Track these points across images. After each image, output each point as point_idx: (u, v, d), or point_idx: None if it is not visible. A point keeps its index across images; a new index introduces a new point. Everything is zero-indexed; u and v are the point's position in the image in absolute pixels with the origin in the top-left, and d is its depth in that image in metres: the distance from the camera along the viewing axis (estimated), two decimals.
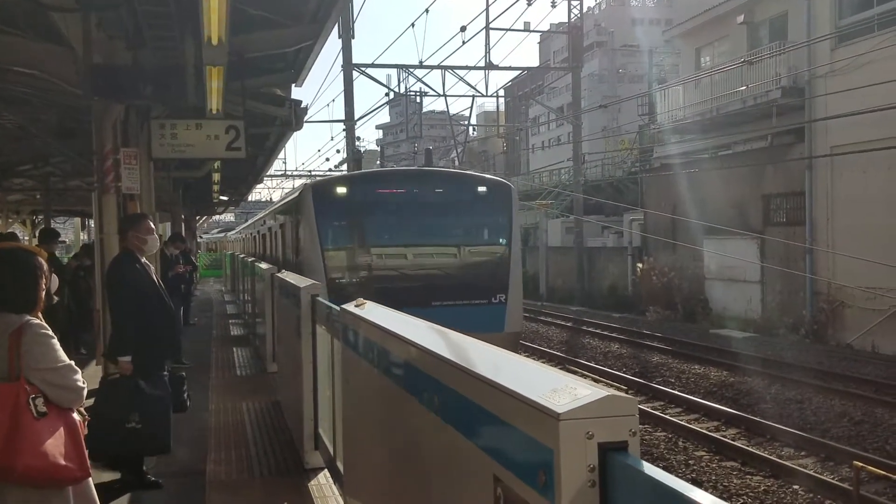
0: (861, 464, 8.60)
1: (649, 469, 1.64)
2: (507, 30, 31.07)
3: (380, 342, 3.56)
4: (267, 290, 10.63)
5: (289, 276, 8.30)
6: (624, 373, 16.08)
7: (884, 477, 8.69)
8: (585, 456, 1.74)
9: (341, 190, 12.40)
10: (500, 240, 12.82)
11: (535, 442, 1.85)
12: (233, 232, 45.03)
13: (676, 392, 13.94)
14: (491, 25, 28.64)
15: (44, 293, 3.59)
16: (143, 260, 6.02)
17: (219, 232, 57.33)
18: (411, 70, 29.71)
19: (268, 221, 20.08)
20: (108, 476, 5.81)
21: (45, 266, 3.64)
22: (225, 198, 29.73)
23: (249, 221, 34.28)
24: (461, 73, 29.31)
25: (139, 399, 5.60)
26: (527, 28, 37.95)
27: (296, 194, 13.80)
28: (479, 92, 31.13)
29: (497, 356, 2.52)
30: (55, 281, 3.71)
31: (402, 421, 3.23)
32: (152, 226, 6.32)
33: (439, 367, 2.62)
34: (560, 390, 1.86)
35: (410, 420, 3.04)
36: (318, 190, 12.54)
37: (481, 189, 12.78)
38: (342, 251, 12.35)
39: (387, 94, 33.24)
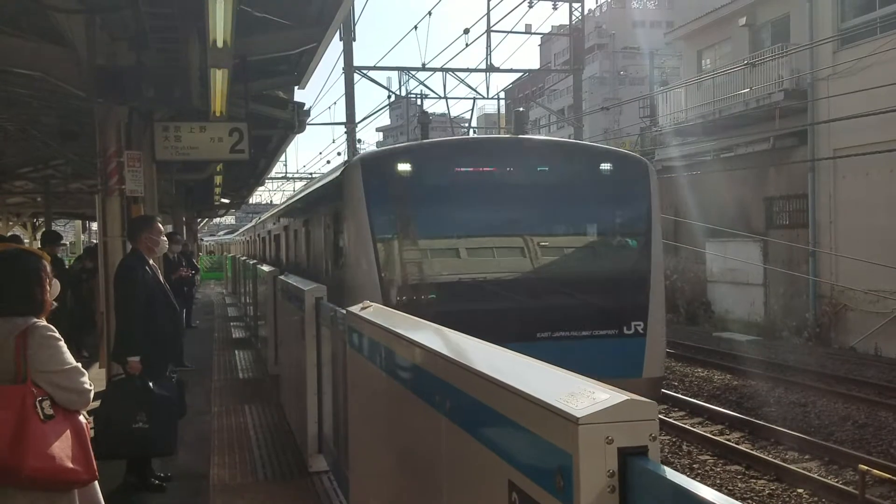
0: (866, 467, 8.57)
1: (671, 474, 1.61)
2: (508, 32, 31.04)
3: (388, 345, 3.53)
4: (269, 292, 10.61)
5: (293, 279, 8.27)
6: None
7: (888, 480, 8.66)
8: (605, 461, 1.72)
9: (404, 166, 8.23)
10: (635, 240, 8.95)
11: (552, 447, 1.83)
12: (236, 234, 43.56)
13: (680, 395, 13.90)
14: (492, 28, 28.62)
15: (49, 296, 3.57)
16: (151, 262, 6.03)
17: (226, 234, 56.10)
18: (412, 73, 29.70)
19: (285, 218, 15.34)
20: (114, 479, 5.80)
21: (49, 268, 3.62)
22: (226, 200, 29.71)
23: (253, 222, 29.38)
24: (462, 75, 29.25)
25: (147, 399, 5.60)
26: (528, 30, 37.96)
27: (335, 174, 9.70)
28: (479, 94, 31.09)
29: (511, 359, 2.50)
30: (57, 285, 3.68)
31: (410, 425, 3.20)
32: (161, 227, 6.34)
33: (451, 371, 2.59)
34: (578, 394, 1.84)
35: (420, 424, 3.02)
36: (371, 165, 8.49)
37: (605, 166, 8.75)
38: (406, 258, 8.27)
39: (388, 97, 33.22)
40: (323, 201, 10.29)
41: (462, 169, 8.54)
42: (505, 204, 8.46)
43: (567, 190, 8.77)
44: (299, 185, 40.69)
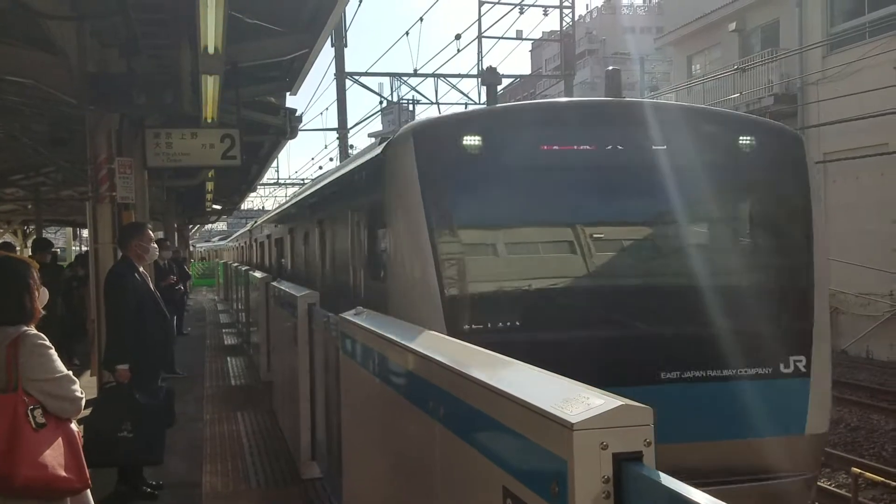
0: (859, 470, 8.59)
1: (666, 480, 1.61)
2: (499, 38, 31.18)
3: (381, 351, 3.52)
4: (261, 298, 10.57)
5: (286, 286, 8.23)
6: None
7: (881, 483, 8.69)
8: (599, 466, 1.71)
9: (473, 140, 5.78)
10: (789, 241, 6.48)
11: (547, 452, 1.82)
12: (229, 240, 42.65)
13: None
14: (484, 34, 28.71)
15: (38, 303, 3.55)
16: (141, 269, 6.01)
17: (220, 239, 55.33)
18: (404, 78, 29.72)
19: (292, 218, 12.56)
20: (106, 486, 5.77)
21: (37, 276, 3.60)
22: (218, 206, 29.68)
23: (249, 225, 26.75)
24: (454, 80, 29.32)
25: (133, 408, 5.58)
26: (519, 36, 38.02)
27: (372, 153, 6.97)
28: (471, 100, 31.09)
29: (504, 364, 2.50)
30: (45, 293, 3.67)
31: (404, 431, 3.20)
32: (152, 234, 6.32)
33: (445, 377, 2.59)
34: (572, 400, 1.84)
35: (413, 430, 3.01)
36: (428, 139, 5.98)
37: (748, 140, 6.23)
38: (478, 267, 6.02)
39: (380, 103, 33.25)
40: (351, 192, 7.84)
41: (552, 142, 6.10)
42: (611, 190, 6.15)
43: (697, 172, 6.16)
44: (291, 190, 40.27)
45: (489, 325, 5.63)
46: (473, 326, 5.55)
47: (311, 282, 9.36)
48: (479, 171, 5.80)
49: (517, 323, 5.68)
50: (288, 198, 18.71)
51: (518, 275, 6.05)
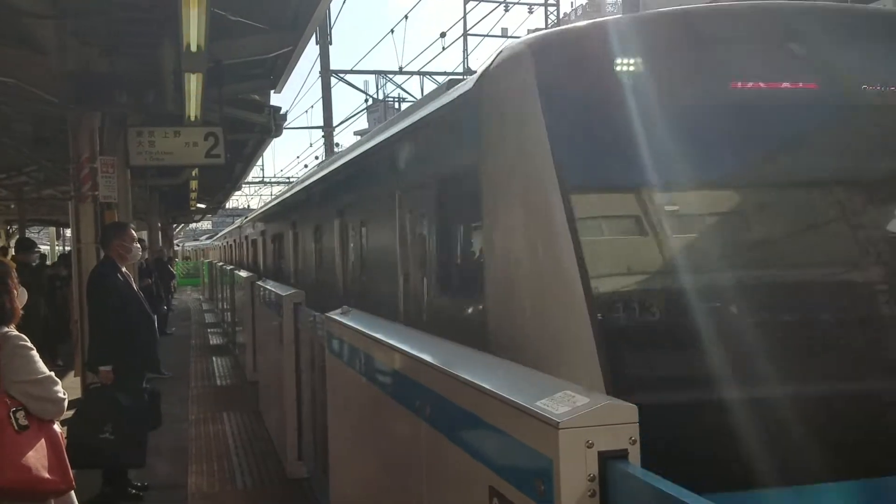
0: None
1: (651, 478, 1.61)
2: (484, 35, 31.20)
3: (367, 350, 3.52)
4: (247, 298, 10.52)
5: (271, 285, 8.17)
6: None
7: None
8: (585, 465, 1.72)
9: (630, 62, 3.31)
10: None
11: (533, 451, 1.82)
12: (215, 238, 39.61)
13: None
14: (469, 31, 28.72)
15: (17, 303, 3.52)
16: (123, 269, 5.96)
17: (207, 238, 54.29)
18: (390, 76, 29.67)
19: (309, 204, 9.23)
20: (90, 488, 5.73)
21: (15, 276, 3.57)
22: (202, 205, 29.54)
23: (238, 222, 23.27)
24: (439, 78, 29.30)
25: (115, 410, 5.53)
26: (504, 34, 38.02)
27: (455, 92, 4.27)
28: None
29: (491, 363, 2.49)
30: (24, 293, 3.63)
31: (391, 431, 3.19)
32: (135, 234, 6.27)
33: (431, 376, 2.58)
34: (558, 398, 1.83)
35: (400, 430, 3.01)
36: (557, 60, 3.41)
37: None
38: (656, 272, 3.28)
39: (365, 101, 33.18)
40: (404, 163, 5.39)
41: (757, 68, 3.51)
42: (851, 143, 3.58)
43: None
44: (277, 189, 39.90)
45: (683, 376, 2.98)
46: (647, 375, 3.00)
47: (328, 296, 7.08)
48: (646, 112, 3.32)
49: (737, 370, 2.87)
50: (293, 183, 15.38)
51: (725, 289, 3.25)
